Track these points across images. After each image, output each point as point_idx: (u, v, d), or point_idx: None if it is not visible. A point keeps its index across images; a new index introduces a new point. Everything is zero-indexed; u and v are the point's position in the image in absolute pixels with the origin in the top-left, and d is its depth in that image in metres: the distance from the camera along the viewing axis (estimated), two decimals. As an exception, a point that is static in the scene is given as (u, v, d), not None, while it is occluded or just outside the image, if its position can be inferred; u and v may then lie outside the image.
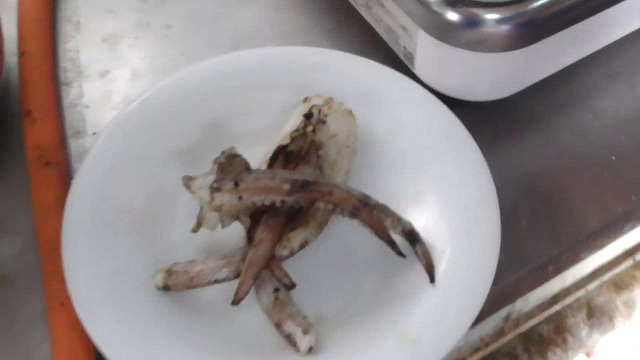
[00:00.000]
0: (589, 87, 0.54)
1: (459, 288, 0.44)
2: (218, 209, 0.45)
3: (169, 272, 0.45)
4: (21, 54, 0.55)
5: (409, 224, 0.46)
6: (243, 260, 0.45)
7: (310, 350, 0.43)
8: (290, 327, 0.43)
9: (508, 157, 0.51)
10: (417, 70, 0.52)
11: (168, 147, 0.50)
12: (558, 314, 0.53)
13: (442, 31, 0.47)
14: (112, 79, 0.56)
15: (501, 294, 0.48)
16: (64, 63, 0.57)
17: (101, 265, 0.45)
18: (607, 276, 0.56)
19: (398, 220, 0.46)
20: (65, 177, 0.50)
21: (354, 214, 0.44)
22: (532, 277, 0.49)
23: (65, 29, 0.59)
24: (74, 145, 0.53)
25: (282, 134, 0.49)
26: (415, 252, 0.45)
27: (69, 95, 0.56)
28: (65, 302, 0.44)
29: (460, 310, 0.43)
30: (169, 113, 0.51)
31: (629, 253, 0.57)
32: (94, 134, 0.54)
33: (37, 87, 0.53)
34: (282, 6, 0.59)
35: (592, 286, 0.56)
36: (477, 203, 0.46)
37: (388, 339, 0.43)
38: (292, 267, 0.45)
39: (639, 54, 0.55)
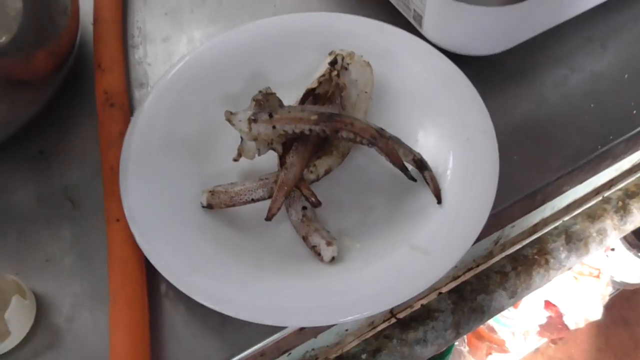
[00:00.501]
0: (569, 48, 0.45)
1: (464, 208, 0.35)
2: (255, 138, 0.36)
3: (212, 192, 0.36)
4: (95, 20, 0.46)
5: (418, 153, 0.37)
6: (276, 182, 0.35)
7: (333, 259, 0.34)
8: (315, 239, 0.34)
9: (499, 104, 0.42)
10: (425, 30, 0.42)
11: (216, 92, 0.41)
12: (540, 239, 0.44)
13: (449, -12, 0.37)
14: (172, 44, 0.48)
15: (496, 218, 0.38)
16: (132, 31, 0.48)
17: (152, 186, 0.36)
18: (579, 210, 0.47)
19: (409, 150, 0.36)
20: (127, 117, 0.41)
21: (371, 142, 0.35)
22: (522, 204, 0.39)
23: (135, 3, 0.50)
24: (137, 94, 0.44)
25: (311, 80, 0.40)
26: (424, 178, 0.36)
27: (135, 55, 0.47)
28: (121, 218, 0.35)
29: (465, 227, 0.34)
30: (217, 64, 0.42)
31: (598, 191, 0.47)
32: (155, 85, 0.45)
33: (106, 45, 0.44)
34: (311, -15, 0.49)
35: (566, 218, 0.46)
36: (478, 135, 0.37)
37: (402, 249, 0.34)
38: (318, 190, 0.36)
39: (610, 20, 0.46)
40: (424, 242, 0.33)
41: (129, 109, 0.42)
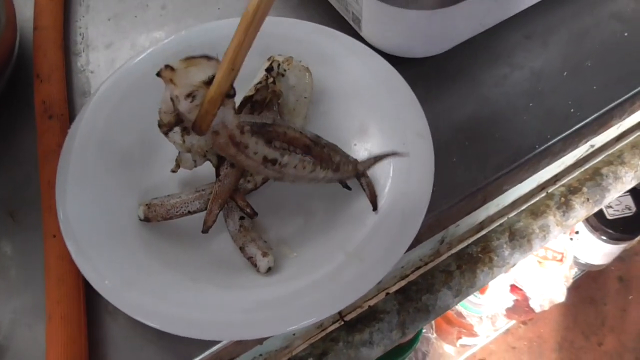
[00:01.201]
0: (509, 47, 0.45)
1: (398, 213, 0.35)
2: (189, 150, 0.35)
3: (149, 205, 0.35)
4: (35, 27, 0.45)
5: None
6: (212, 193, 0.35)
7: (269, 270, 0.34)
8: (252, 250, 0.34)
9: (440, 105, 0.42)
10: (364, 32, 0.42)
11: (154, 100, 0.40)
12: (484, 237, 0.44)
13: (383, -7, 0.37)
14: (115, 50, 0.47)
15: (437, 219, 0.38)
16: (75, 37, 0.47)
17: (89, 200, 0.36)
18: (524, 207, 0.47)
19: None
20: (66, 128, 0.40)
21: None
22: (462, 205, 0.39)
23: (77, 9, 0.49)
24: (79, 102, 0.44)
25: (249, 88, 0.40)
26: (361, 184, 0.36)
27: (78, 63, 0.46)
28: (57, 233, 0.35)
29: (400, 234, 0.34)
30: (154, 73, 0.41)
31: (542, 187, 0.48)
32: (96, 93, 0.44)
33: (45, 53, 0.43)
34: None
35: (511, 215, 0.46)
36: (414, 138, 0.37)
37: (338, 257, 0.34)
38: (259, 198, 0.36)
39: (550, 18, 0.45)
40: (359, 249, 0.33)
41: (68, 119, 0.41)
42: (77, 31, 0.48)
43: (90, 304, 0.35)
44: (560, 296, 0.96)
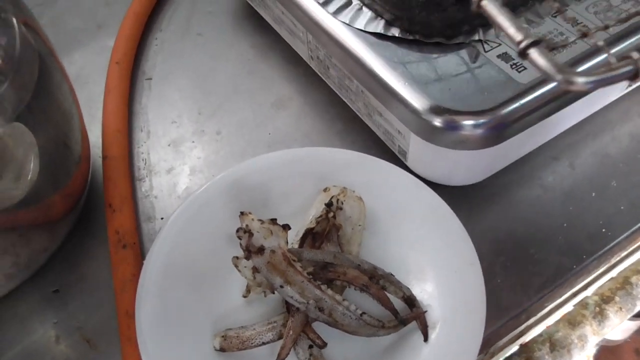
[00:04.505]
0: (538, 167, 0.48)
1: (453, 345, 0.37)
2: (259, 285, 0.38)
3: (224, 337, 0.38)
4: (104, 157, 0.48)
5: (408, 290, 0.39)
6: (284, 325, 0.37)
7: (340, 399, 0.36)
8: (323, 379, 0.36)
9: (481, 227, 0.45)
10: (409, 163, 0.45)
11: (221, 229, 0.43)
12: (526, 347, 0.46)
13: (430, 134, 0.40)
14: (176, 174, 0.50)
15: (485, 340, 0.40)
16: (138, 163, 0.51)
17: (167, 332, 0.38)
18: (558, 313, 0.49)
19: (400, 287, 0.39)
20: (138, 256, 0.43)
21: (363, 289, 0.38)
22: (508, 325, 0.42)
23: (139, 136, 0.53)
24: (146, 228, 0.47)
25: (307, 216, 0.43)
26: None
27: (142, 188, 0.49)
28: (140, 365, 0.37)
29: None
30: (221, 201, 0.44)
31: (574, 294, 0.50)
32: (162, 218, 0.47)
33: (116, 184, 0.46)
34: (304, 114, 0.53)
35: (549, 323, 0.48)
36: (465, 266, 0.39)
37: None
38: (318, 325, 0.38)
39: (575, 140, 0.49)
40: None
41: (139, 247, 0.44)
42: (140, 156, 0.51)
43: None
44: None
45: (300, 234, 0.41)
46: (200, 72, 0.57)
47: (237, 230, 0.36)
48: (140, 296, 0.39)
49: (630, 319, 1.02)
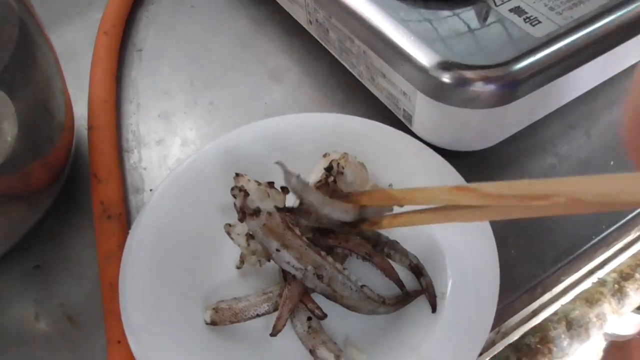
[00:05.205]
0: (554, 136, 0.45)
1: (465, 314, 0.34)
2: (253, 253, 0.35)
3: (216, 309, 0.35)
4: (90, 127, 0.45)
5: (415, 257, 0.36)
6: (280, 295, 0.34)
7: (342, 374, 0.33)
8: (323, 352, 0.33)
9: (493, 196, 0.41)
10: (415, 127, 0.42)
11: (213, 199, 0.40)
12: (541, 326, 0.43)
13: (438, 92, 0.37)
14: (166, 146, 0.47)
15: (498, 314, 0.37)
16: (127, 135, 0.48)
17: (152, 304, 0.35)
18: (574, 292, 0.46)
19: (406, 255, 0.36)
20: (124, 228, 0.40)
21: (366, 258, 0.35)
22: (522, 299, 0.39)
23: (128, 108, 0.50)
24: (134, 200, 0.44)
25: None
26: (420, 284, 0.35)
27: (130, 160, 0.46)
28: (122, 339, 0.34)
29: (469, 333, 0.33)
30: (214, 170, 0.41)
31: (591, 272, 0.47)
32: (151, 190, 0.44)
33: (102, 154, 0.44)
34: (302, 84, 0.50)
35: (564, 302, 0.45)
36: (476, 233, 0.36)
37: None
38: (319, 296, 0.35)
39: (592, 108, 0.46)
40: (431, 351, 0.32)
41: (126, 219, 0.41)
42: (129, 128, 0.48)
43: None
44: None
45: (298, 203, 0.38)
46: (194, 45, 0.55)
47: (232, 189, 0.33)
48: (124, 266, 0.36)
49: (640, 313, 0.99)
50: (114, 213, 0.40)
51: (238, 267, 0.37)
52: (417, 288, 0.36)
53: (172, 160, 0.46)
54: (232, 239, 0.35)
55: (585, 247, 0.39)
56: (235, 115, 0.49)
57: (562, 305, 0.45)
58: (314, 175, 0.40)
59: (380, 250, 0.35)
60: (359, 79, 0.46)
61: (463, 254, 0.36)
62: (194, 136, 0.48)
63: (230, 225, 0.36)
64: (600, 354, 0.94)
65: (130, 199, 0.44)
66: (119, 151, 0.46)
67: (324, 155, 0.40)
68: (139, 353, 0.33)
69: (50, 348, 0.37)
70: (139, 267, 0.36)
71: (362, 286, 0.34)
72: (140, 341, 0.33)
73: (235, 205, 0.33)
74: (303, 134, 0.43)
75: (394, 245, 0.36)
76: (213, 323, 0.34)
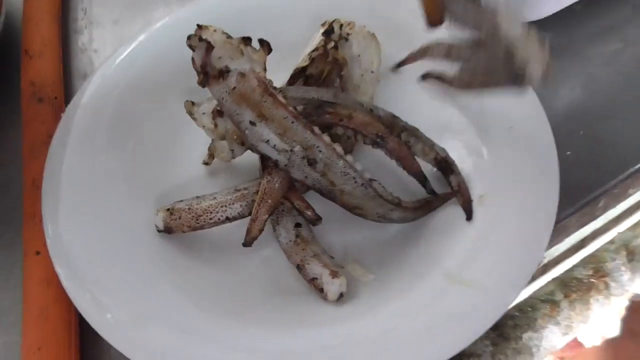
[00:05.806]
0: (620, 19, 0.35)
1: (511, 224, 0.24)
2: (223, 137, 0.26)
3: (171, 210, 0.25)
4: (26, -5, 0.36)
5: (443, 150, 0.27)
6: (257, 192, 0.25)
7: (341, 297, 0.24)
8: (315, 269, 0.24)
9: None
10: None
11: (177, 79, 0.30)
12: (594, 257, 0.34)
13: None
14: (124, 26, 0.38)
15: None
16: (76, 14, 0.38)
17: (86, 207, 0.26)
18: (631, 219, 0.37)
19: (430, 146, 0.26)
20: (59, 114, 0.31)
21: (377, 142, 0.25)
22: (581, 214, 0.29)
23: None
24: (79, 87, 0.34)
25: (299, 58, 0.30)
26: (450, 184, 0.26)
27: (79, 42, 0.37)
28: (42, 250, 0.25)
29: (516, 252, 0.24)
30: (178, 45, 0.31)
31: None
32: (101, 75, 0.34)
33: (37, 26, 0.34)
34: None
35: (621, 229, 0.36)
36: (524, 123, 0.27)
37: (433, 282, 0.23)
38: (314, 200, 0.26)
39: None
40: (464, 269, 0.23)
41: (63, 104, 0.32)
42: (79, 6, 0.39)
43: (86, 349, 0.25)
44: (614, 330, 0.85)
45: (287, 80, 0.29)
46: None
47: (189, 38, 0.23)
48: (52, 156, 0.27)
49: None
50: (47, 96, 0.31)
51: (206, 163, 0.28)
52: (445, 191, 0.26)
53: (131, 42, 0.36)
54: (194, 119, 0.26)
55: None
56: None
57: (618, 233, 0.35)
58: (310, 47, 0.30)
59: (396, 136, 0.26)
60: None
61: (507, 147, 0.27)
62: (161, 15, 0.38)
63: (193, 103, 0.26)
64: (623, 312, 0.86)
65: (74, 85, 0.34)
66: (65, 30, 0.37)
67: (323, 24, 0.30)
68: (61, 267, 0.24)
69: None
70: (70, 158, 0.27)
71: (371, 180, 0.24)
72: (64, 252, 0.24)
73: (193, 61, 0.24)
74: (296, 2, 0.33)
75: (414, 132, 0.27)
76: (167, 230, 0.25)
